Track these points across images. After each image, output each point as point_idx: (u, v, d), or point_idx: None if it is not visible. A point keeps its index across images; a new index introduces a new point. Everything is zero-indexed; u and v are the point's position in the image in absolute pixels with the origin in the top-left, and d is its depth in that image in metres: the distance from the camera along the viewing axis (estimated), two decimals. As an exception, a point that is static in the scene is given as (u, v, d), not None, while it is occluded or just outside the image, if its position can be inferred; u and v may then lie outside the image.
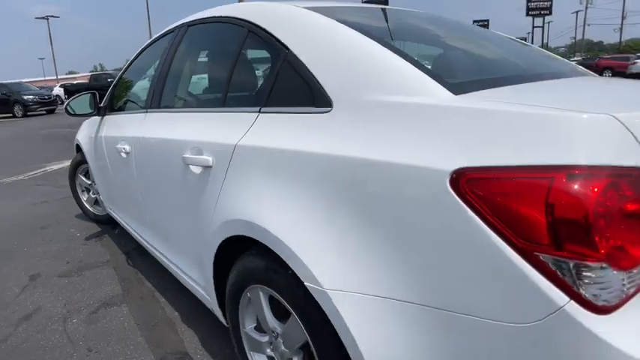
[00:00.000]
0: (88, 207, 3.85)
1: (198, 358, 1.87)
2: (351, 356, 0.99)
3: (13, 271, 2.91)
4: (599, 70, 28.65)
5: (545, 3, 58.21)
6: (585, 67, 1.93)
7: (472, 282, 0.80)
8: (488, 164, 0.79)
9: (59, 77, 44.57)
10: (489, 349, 0.81)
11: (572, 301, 0.73)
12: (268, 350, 1.42)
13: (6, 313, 2.36)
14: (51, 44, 41.91)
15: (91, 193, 3.80)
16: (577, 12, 66.26)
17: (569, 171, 0.73)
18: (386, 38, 1.22)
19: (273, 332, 1.35)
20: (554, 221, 0.73)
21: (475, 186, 0.79)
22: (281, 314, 1.31)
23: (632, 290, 0.76)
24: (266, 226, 1.16)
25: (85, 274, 2.80)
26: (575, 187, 0.73)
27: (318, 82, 1.17)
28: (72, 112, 2.90)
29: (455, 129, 0.87)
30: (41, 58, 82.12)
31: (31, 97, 18.83)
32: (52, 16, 39.88)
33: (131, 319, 2.22)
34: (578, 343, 0.73)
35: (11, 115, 18.83)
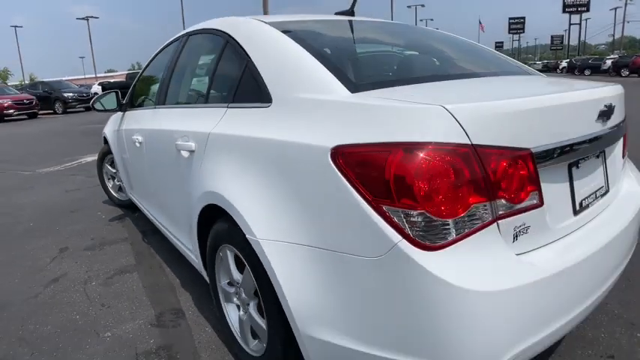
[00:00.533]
0: (113, 193, 4.31)
1: (189, 313, 2.23)
2: (273, 285, 1.31)
3: (46, 245, 3.37)
4: (636, 68, 27.62)
5: (583, -1, 55.50)
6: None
7: (343, 227, 1.11)
8: (354, 142, 1.10)
9: (98, 75, 46.61)
10: (358, 277, 1.12)
11: (403, 240, 1.02)
12: (235, 299, 1.76)
13: (38, 277, 2.80)
14: (90, 43, 43.95)
15: (115, 180, 4.25)
16: (616, 8, 63.51)
17: (403, 146, 1.03)
18: (318, 46, 1.53)
19: (237, 283, 1.69)
20: (391, 182, 1.03)
21: (344, 157, 1.10)
22: (242, 268, 1.65)
23: (456, 236, 1.04)
24: (223, 194, 1.50)
25: (105, 249, 3.22)
26: (406, 157, 1.03)
27: (264, 83, 1.50)
28: (98, 109, 3.33)
29: (341, 117, 1.18)
30: (82, 57, 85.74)
31: (70, 94, 19.92)
32: (92, 17, 41.84)
33: (139, 284, 2.61)
34: (409, 270, 1.02)
35: (52, 111, 20.01)
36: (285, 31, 1.62)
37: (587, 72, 34.50)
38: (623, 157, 1.79)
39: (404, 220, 1.03)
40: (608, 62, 32.40)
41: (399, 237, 1.03)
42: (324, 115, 1.24)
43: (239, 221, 1.41)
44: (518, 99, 1.17)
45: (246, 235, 1.38)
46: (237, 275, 1.67)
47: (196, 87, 2.24)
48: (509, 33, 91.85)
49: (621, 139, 1.73)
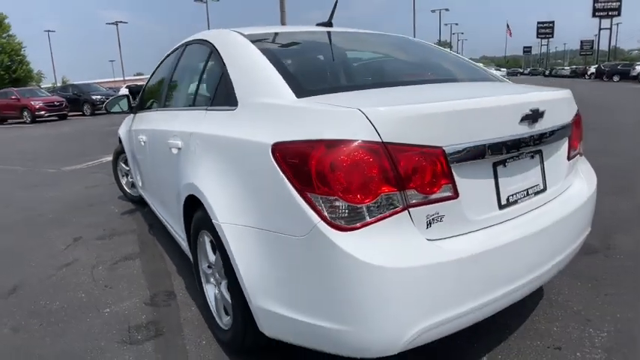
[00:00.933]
0: (126, 189, 4.63)
1: (180, 295, 2.49)
2: (231, 262, 1.53)
3: (63, 234, 3.70)
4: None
5: (614, 4, 54.20)
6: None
7: (279, 211, 1.33)
8: (288, 139, 1.31)
9: (126, 78, 48.16)
10: (290, 253, 1.33)
11: (321, 222, 1.23)
12: (212, 280, 2.00)
13: (52, 261, 3.11)
14: (119, 47, 45.52)
15: (128, 177, 4.58)
16: (650, 12, 61.48)
17: (324, 143, 1.25)
18: (281, 56, 1.76)
19: (212, 265, 1.92)
20: (313, 173, 1.24)
21: (280, 152, 1.32)
22: (216, 251, 1.88)
23: (367, 220, 1.23)
24: (198, 186, 1.74)
25: (114, 239, 3.52)
26: (324, 152, 1.24)
27: (233, 89, 1.73)
28: (110, 111, 3.64)
29: (284, 119, 1.40)
30: (111, 61, 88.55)
31: (98, 97, 20.74)
32: (121, 22, 43.48)
33: (140, 269, 2.89)
34: (325, 248, 1.23)
35: (81, 113, 20.87)
36: (256, 42, 1.85)
37: (615, 78, 33.59)
38: (570, 158, 1.90)
39: (322, 205, 1.24)
40: (638, 68, 31.52)
41: (319, 219, 1.23)
42: (272, 117, 1.46)
43: (207, 208, 1.65)
44: (432, 103, 1.35)
45: (212, 220, 1.61)
46: (212, 257, 1.90)
47: (187, 91, 2.50)
48: (537, 37, 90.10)
49: (565, 142, 1.86)
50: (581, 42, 77.62)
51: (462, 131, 1.37)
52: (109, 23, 45.43)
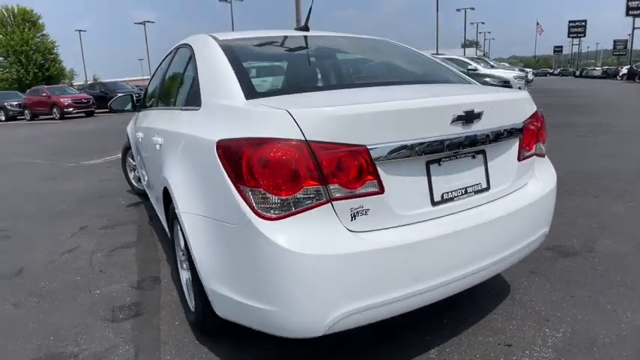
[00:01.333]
0: (134, 183, 4.90)
1: (165, 281, 2.69)
2: (189, 248, 1.71)
3: (71, 223, 3.98)
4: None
5: (649, 1, 51.75)
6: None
7: (221, 201, 1.49)
8: (229, 137, 1.47)
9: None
10: (229, 240, 1.50)
11: (250, 212, 1.39)
12: (184, 265, 2.18)
13: (57, 247, 3.38)
14: (146, 46, 46.77)
15: (135, 172, 4.84)
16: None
17: (255, 140, 1.40)
18: (244, 61, 1.92)
19: (183, 252, 2.10)
20: (244, 167, 1.40)
21: (222, 149, 1.48)
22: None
23: (290, 210, 1.37)
24: (168, 179, 1.93)
25: (116, 228, 3.77)
26: (254, 149, 1.39)
27: (200, 91, 1.91)
28: (114, 109, 3.89)
29: (231, 118, 1.57)
30: (140, 59, 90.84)
31: (123, 94, 21.39)
32: (148, 21, 44.73)
33: (134, 257, 3.11)
34: (253, 235, 1.38)
35: (108, 110, 21.58)
36: (225, 47, 2.02)
37: (647, 79, 32.43)
38: (522, 159, 1.93)
39: (251, 196, 1.39)
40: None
41: (248, 209, 1.39)
42: (223, 117, 1.63)
43: (172, 198, 1.83)
44: (357, 105, 1.46)
45: (175, 210, 1.79)
46: (182, 245, 2.09)
47: (172, 92, 2.71)
48: (568, 37, 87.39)
49: (514, 143, 1.90)
50: (614, 42, 74.93)
51: (386, 131, 1.46)
52: (137, 23, 46.69)
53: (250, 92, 1.67)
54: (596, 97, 17.53)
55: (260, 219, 1.38)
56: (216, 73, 1.85)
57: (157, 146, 2.39)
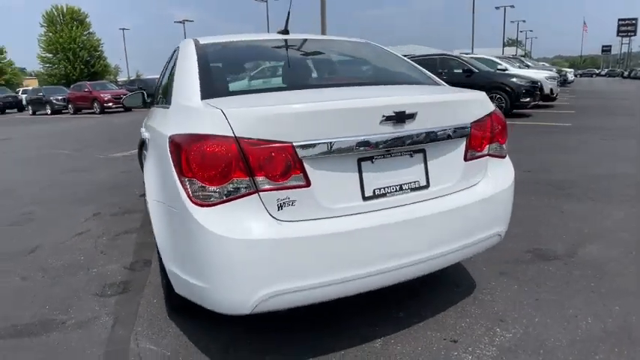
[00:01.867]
0: (148, 175, 5.23)
1: (155, 264, 2.93)
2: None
3: (86, 210, 4.33)
4: None
5: None
6: None
7: (170, 188, 1.68)
8: (176, 133, 1.66)
9: (190, 74, 50.86)
10: (174, 223, 1.69)
11: (187, 199, 1.57)
12: (160, 248, 2.41)
13: (70, 230, 3.71)
14: (186, 45, 48.22)
15: (150, 164, 5.17)
16: None
17: (192, 136, 1.58)
18: (212, 63, 2.10)
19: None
20: (183, 159, 1.57)
21: (171, 143, 1.67)
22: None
23: (220, 199, 1.54)
24: (144, 170, 2.15)
25: (125, 216, 4.08)
26: (190, 143, 1.57)
27: (172, 91, 2.11)
28: (127, 105, 4.19)
29: (185, 117, 1.76)
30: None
31: (160, 90, 22.27)
32: (187, 20, 46.03)
33: (134, 241, 3.39)
34: (188, 219, 1.56)
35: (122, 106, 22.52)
36: (199, 50, 2.21)
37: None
38: (469, 159, 1.96)
39: (188, 185, 1.58)
40: None
41: (186, 196, 1.58)
42: (180, 114, 1.83)
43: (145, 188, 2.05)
44: (286, 105, 1.61)
45: (145, 198, 2.01)
46: (155, 229, 2.32)
47: (161, 91, 2.95)
48: (618, 35, 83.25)
49: (460, 143, 1.92)
50: (669, 41, 70.54)
51: (313, 129, 1.58)
52: (177, 22, 48.22)
53: (207, 93, 1.85)
54: (639, 99, 16.75)
55: (195, 206, 1.56)
56: (184, 75, 2.06)
57: (147, 140, 2.63)
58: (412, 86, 2.27)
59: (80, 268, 2.93)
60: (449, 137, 1.88)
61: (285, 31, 2.68)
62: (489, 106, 2.09)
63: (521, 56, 29.18)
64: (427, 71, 2.52)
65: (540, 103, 12.31)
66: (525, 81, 10.82)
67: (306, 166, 1.60)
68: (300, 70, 2.42)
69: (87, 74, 41.94)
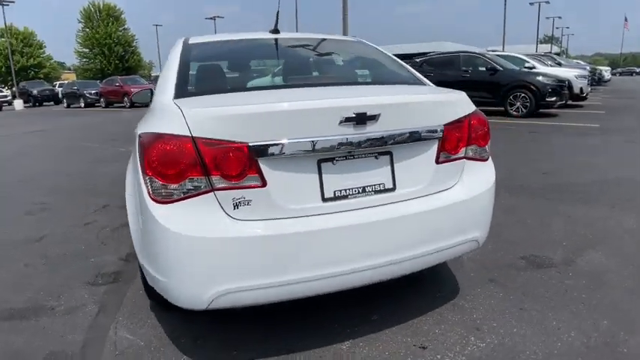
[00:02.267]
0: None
1: (148, 255, 3.03)
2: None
3: (97, 202, 4.50)
4: None
5: None
6: None
7: (137, 185, 1.74)
8: (145, 131, 1.71)
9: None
10: (140, 217, 1.75)
11: (147, 195, 1.62)
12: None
13: (78, 220, 3.88)
14: (216, 41, 49.00)
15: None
16: None
17: (153, 135, 1.63)
18: (193, 62, 2.14)
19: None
20: (145, 157, 1.63)
21: (140, 140, 1.72)
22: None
23: (176, 197, 1.58)
24: (128, 167, 2.22)
25: (132, 208, 4.22)
26: (150, 142, 1.62)
27: (154, 89, 2.17)
28: (136, 102, 4.32)
29: (156, 114, 1.81)
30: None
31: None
32: (218, 17, 46.73)
33: (134, 233, 3.50)
34: (147, 215, 1.62)
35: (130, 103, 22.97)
36: (185, 48, 2.27)
37: None
38: (441, 162, 1.90)
39: (149, 182, 1.63)
40: None
41: (146, 193, 1.64)
42: (154, 113, 1.89)
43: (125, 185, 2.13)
44: (243, 105, 1.63)
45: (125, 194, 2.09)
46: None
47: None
48: (663, 32, 78.72)
49: (431, 145, 1.86)
50: None
51: (269, 130, 1.59)
52: (208, 18, 49.05)
53: (180, 92, 1.90)
54: (676, 100, 15.91)
55: (154, 203, 1.62)
56: (165, 74, 2.12)
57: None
58: (384, 86, 2.22)
59: (79, 257, 3.07)
60: (418, 139, 1.82)
61: (276, 31, 2.70)
62: (468, 107, 2.03)
63: (556, 54, 28.18)
64: (415, 71, 2.48)
65: (570, 102, 11.87)
66: (552, 79, 10.45)
67: (262, 166, 1.61)
68: (276, 70, 2.44)
69: (121, 69, 43.26)
